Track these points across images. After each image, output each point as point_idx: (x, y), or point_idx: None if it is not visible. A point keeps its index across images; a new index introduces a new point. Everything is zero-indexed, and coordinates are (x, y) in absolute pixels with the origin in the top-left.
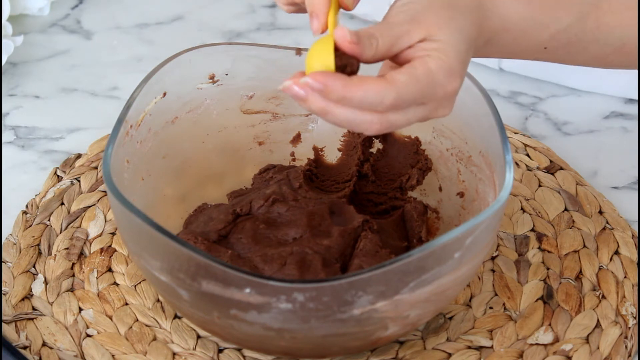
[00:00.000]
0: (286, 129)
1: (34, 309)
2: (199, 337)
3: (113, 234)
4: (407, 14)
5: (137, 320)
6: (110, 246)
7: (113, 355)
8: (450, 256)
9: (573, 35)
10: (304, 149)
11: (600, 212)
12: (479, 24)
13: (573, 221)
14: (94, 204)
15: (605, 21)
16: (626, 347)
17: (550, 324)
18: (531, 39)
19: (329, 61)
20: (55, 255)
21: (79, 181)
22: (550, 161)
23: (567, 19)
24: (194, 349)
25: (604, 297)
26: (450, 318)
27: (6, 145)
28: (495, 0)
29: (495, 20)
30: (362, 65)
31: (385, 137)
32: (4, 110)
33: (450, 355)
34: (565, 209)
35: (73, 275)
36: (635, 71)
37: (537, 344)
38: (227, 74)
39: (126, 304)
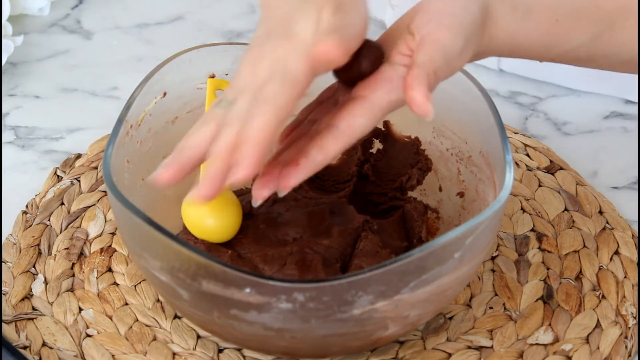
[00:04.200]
0: None
1: (34, 309)
2: (199, 337)
3: (113, 234)
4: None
5: (137, 320)
6: (110, 246)
7: (113, 355)
8: (450, 256)
9: (583, 53)
10: None
11: (600, 212)
12: (479, 43)
13: (573, 221)
14: (94, 204)
15: (616, 37)
16: (626, 347)
17: (550, 324)
18: (537, 56)
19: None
20: (55, 255)
21: (79, 181)
22: (550, 161)
23: (578, 40)
24: (194, 349)
25: (604, 297)
26: (450, 318)
27: (6, 145)
28: (502, 24)
29: (499, 40)
30: None
31: (385, 137)
32: (4, 110)
33: (450, 355)
34: (565, 209)
35: (73, 275)
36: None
37: (537, 344)
38: (227, 74)
39: (126, 304)
